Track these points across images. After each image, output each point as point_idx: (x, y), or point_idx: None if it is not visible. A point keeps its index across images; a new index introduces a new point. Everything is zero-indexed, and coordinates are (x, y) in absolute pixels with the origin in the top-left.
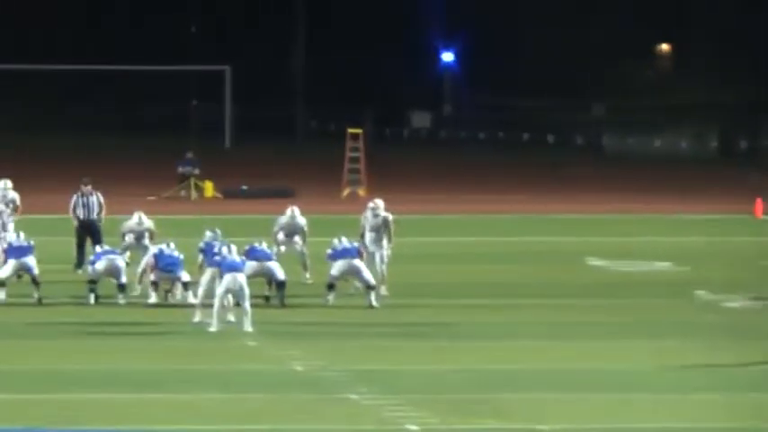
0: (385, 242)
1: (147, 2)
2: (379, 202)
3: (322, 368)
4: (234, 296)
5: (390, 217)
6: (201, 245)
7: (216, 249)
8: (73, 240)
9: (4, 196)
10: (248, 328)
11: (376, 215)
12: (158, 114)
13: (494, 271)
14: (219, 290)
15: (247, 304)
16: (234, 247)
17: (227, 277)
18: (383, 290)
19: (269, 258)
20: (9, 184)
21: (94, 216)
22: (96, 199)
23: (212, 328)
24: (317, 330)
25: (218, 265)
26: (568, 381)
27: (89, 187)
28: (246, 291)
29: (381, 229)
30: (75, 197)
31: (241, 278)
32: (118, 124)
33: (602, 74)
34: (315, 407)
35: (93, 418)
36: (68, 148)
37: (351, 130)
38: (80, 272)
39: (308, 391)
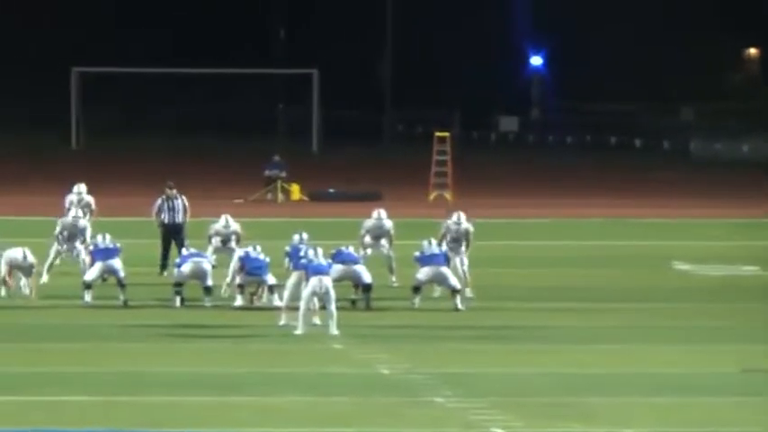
0: (463, 248)
1: (236, 5)
2: (462, 215)
3: (407, 371)
4: (320, 299)
5: (471, 228)
6: (288, 248)
7: (302, 253)
8: (158, 243)
9: (80, 200)
10: (334, 331)
11: (458, 224)
12: (246, 117)
13: (580, 275)
14: (305, 293)
15: (333, 307)
16: (320, 250)
17: (313, 280)
18: (468, 292)
19: (356, 262)
20: (83, 188)
21: (180, 219)
22: (181, 202)
23: (298, 331)
24: (403, 333)
25: (305, 268)
26: (654, 384)
27: (174, 191)
28: (332, 294)
29: (462, 238)
30: (159, 200)
31: (327, 281)
32: (205, 127)
33: (690, 78)
34: (400, 410)
35: (177, 421)
36: (155, 151)
37: (438, 134)
38: (165, 274)
39: (393, 394)
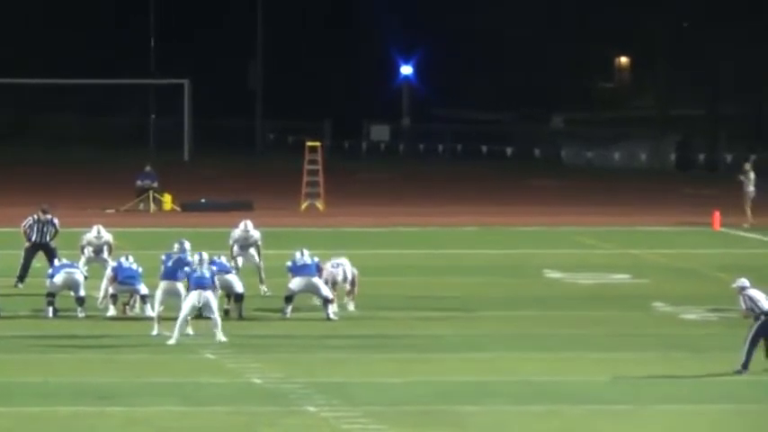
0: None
1: (107, 15)
2: (249, 223)
3: (280, 381)
4: (203, 309)
5: (258, 235)
6: (163, 257)
7: (190, 260)
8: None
9: None
10: (221, 338)
11: (246, 231)
12: (117, 128)
13: (452, 284)
14: (186, 304)
15: (216, 315)
16: (206, 257)
17: (194, 294)
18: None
19: (227, 271)
20: None
21: (49, 239)
22: (53, 227)
23: (172, 341)
24: (275, 343)
25: (186, 277)
26: (526, 393)
27: (48, 215)
28: (214, 304)
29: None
30: (30, 219)
31: (208, 294)
32: (77, 137)
33: (560, 86)
34: (273, 419)
35: (50, 431)
36: (29, 161)
37: (309, 143)
38: (20, 286)
39: (266, 403)
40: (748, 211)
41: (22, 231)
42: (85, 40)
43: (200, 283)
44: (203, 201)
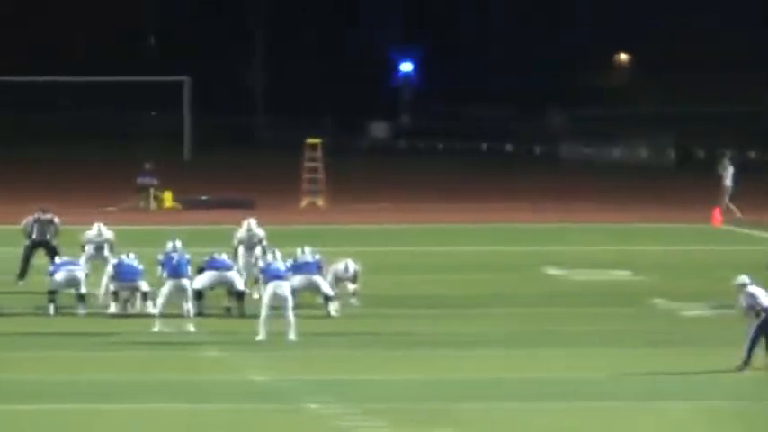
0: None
1: (108, 13)
2: (253, 221)
3: (280, 378)
4: (277, 306)
5: (262, 233)
6: (160, 256)
7: (264, 257)
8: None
9: None
10: (292, 337)
11: (249, 231)
12: (118, 125)
13: (452, 281)
14: (265, 298)
15: (291, 314)
16: (279, 254)
17: (273, 285)
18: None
19: (229, 268)
20: None
21: (49, 238)
22: (53, 227)
23: (260, 337)
24: (276, 340)
25: (262, 272)
26: (528, 390)
27: (48, 215)
28: (290, 300)
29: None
30: (30, 219)
31: (286, 287)
32: (77, 135)
33: (559, 83)
34: (272, 417)
35: (50, 429)
36: (28, 159)
37: (309, 141)
38: (21, 283)
39: (266, 401)
40: (731, 206)
41: (21, 229)
42: (85, 37)
43: (277, 275)
44: (204, 198)
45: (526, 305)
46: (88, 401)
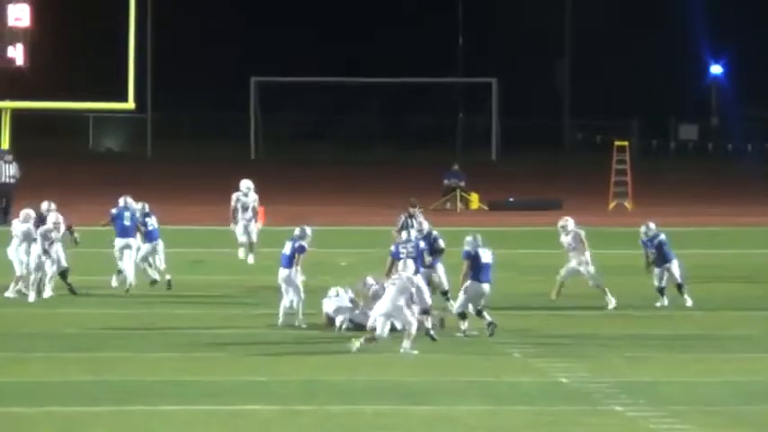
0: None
1: (414, 16)
2: (569, 219)
3: (586, 380)
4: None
5: (582, 233)
6: (392, 248)
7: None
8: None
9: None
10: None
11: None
12: (425, 127)
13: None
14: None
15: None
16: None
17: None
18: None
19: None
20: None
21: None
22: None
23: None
24: (581, 342)
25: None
26: None
27: (416, 208)
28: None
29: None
30: (402, 217)
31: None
32: (384, 136)
33: None
34: (580, 418)
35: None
36: (333, 160)
37: (617, 143)
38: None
39: (572, 402)
40: None
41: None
42: (383, 39)
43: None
44: (511, 200)
45: None
46: (392, 403)
